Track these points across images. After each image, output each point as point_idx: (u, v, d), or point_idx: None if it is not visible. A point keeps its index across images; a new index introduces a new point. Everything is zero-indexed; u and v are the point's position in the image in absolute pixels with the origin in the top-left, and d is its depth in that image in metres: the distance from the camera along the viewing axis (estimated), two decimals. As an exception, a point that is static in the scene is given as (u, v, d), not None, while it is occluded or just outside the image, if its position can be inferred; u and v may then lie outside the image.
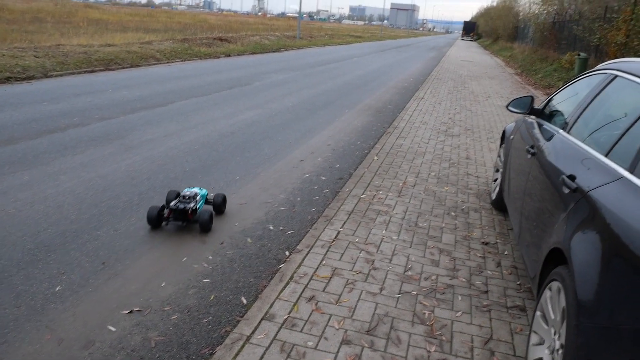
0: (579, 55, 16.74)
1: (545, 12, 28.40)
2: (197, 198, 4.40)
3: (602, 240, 2.08)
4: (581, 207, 2.35)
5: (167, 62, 16.79)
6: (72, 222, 4.27)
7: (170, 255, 3.85)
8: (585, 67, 16.16)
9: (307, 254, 3.83)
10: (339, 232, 4.28)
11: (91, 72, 13.26)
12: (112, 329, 2.96)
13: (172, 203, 4.29)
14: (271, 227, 4.48)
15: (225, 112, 9.12)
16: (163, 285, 3.45)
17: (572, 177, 2.58)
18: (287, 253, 4.01)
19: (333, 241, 4.09)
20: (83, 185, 5.09)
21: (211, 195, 4.71)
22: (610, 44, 13.75)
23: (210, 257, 3.87)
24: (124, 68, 14.51)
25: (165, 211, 4.31)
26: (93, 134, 6.98)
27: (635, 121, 2.42)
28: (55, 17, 33.00)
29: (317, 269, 3.63)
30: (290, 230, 4.45)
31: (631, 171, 2.19)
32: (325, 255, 3.85)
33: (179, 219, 4.28)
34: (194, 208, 4.27)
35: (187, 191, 4.43)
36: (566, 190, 2.57)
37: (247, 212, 4.78)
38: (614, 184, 2.24)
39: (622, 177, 2.22)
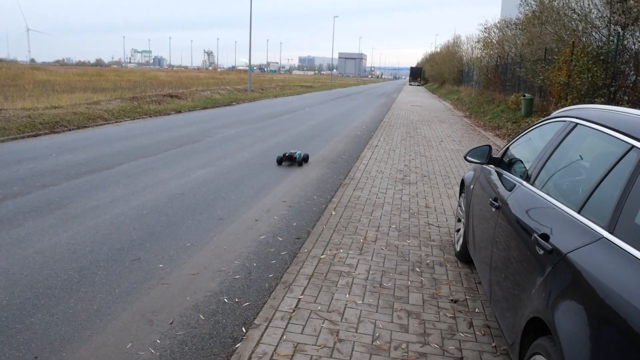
0: (524, 96, 17.25)
1: (487, 56, 29.52)
2: (297, 153, 9.84)
3: (588, 311, 1.87)
4: (560, 271, 2.15)
5: (116, 122, 16.37)
6: (3, 308, 3.82)
7: (113, 342, 3.45)
8: (531, 107, 16.64)
9: (265, 329, 3.51)
10: (299, 300, 3.98)
11: (35, 136, 12.73)
12: None
13: (287, 154, 9.84)
14: (226, 300, 4.14)
15: (175, 172, 8.78)
16: (104, 379, 3.05)
17: (545, 237, 2.39)
18: (243, 329, 3.67)
19: (293, 311, 3.78)
20: (18, 264, 4.64)
21: (302, 155, 10.00)
22: (553, 84, 14.19)
23: (159, 341, 3.49)
24: (70, 130, 14.02)
25: (284, 157, 9.88)
26: (33, 204, 6.52)
27: (607, 174, 2.27)
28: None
29: (277, 346, 3.31)
30: (247, 302, 4.11)
31: (611, 231, 2.02)
32: (285, 328, 3.53)
33: (288, 160, 9.86)
34: (295, 156, 9.78)
35: (292, 150, 10.09)
36: (540, 251, 2.38)
37: (199, 283, 4.42)
38: (594, 246, 2.05)
39: (602, 237, 2.04)
